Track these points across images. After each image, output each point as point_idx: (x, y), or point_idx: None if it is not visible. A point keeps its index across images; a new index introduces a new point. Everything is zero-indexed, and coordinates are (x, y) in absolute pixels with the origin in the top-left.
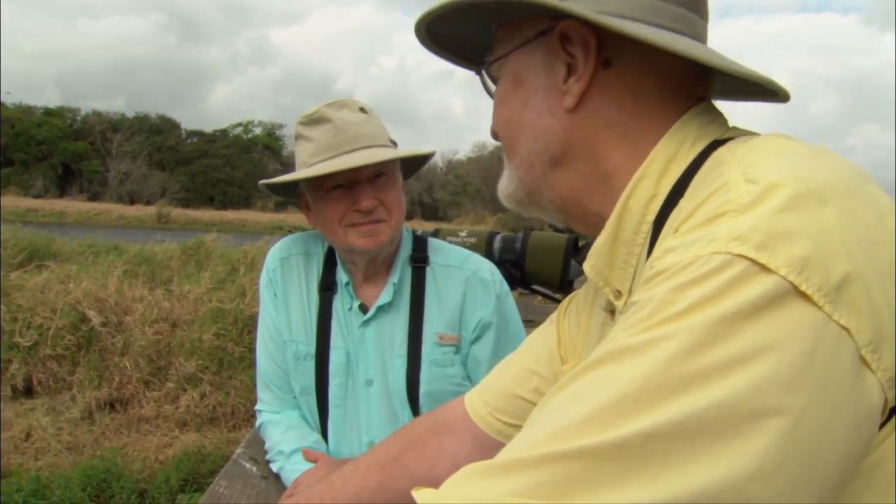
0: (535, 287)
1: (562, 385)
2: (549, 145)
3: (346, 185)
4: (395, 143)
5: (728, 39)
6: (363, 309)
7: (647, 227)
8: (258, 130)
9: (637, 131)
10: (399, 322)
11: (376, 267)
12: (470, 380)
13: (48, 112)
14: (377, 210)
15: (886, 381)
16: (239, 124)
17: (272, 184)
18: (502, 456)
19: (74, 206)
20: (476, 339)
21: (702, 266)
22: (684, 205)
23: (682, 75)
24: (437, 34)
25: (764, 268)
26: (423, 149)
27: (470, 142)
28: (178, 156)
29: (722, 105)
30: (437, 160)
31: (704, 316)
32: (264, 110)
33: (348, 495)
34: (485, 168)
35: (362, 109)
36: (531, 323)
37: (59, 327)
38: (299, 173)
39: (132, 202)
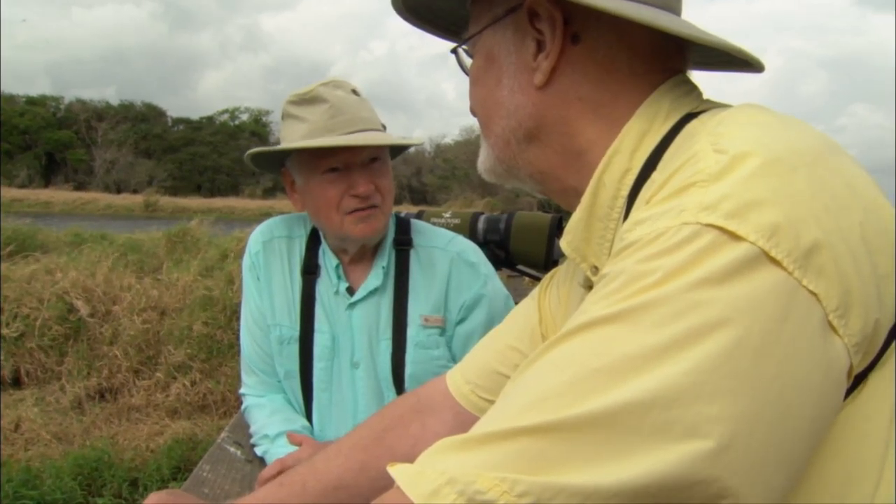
0: (521, 267)
1: (535, 357)
2: (523, 122)
3: (341, 168)
4: (385, 128)
5: (720, 20)
6: (349, 291)
7: (621, 201)
8: (245, 117)
9: (609, 106)
10: (384, 305)
11: (364, 250)
12: (454, 361)
13: (31, 101)
14: (373, 195)
15: (853, 346)
16: (225, 111)
17: (260, 154)
18: (477, 429)
19: (60, 195)
20: (461, 321)
21: (672, 237)
22: (656, 177)
23: (654, 48)
24: (416, 7)
25: (734, 235)
26: (414, 137)
27: (460, 126)
28: (165, 144)
29: (713, 84)
30: (426, 145)
31: (675, 285)
32: (257, 97)
33: (332, 476)
34: (473, 152)
35: (354, 91)
36: None
37: (47, 318)
38: (299, 143)
39: (119, 191)
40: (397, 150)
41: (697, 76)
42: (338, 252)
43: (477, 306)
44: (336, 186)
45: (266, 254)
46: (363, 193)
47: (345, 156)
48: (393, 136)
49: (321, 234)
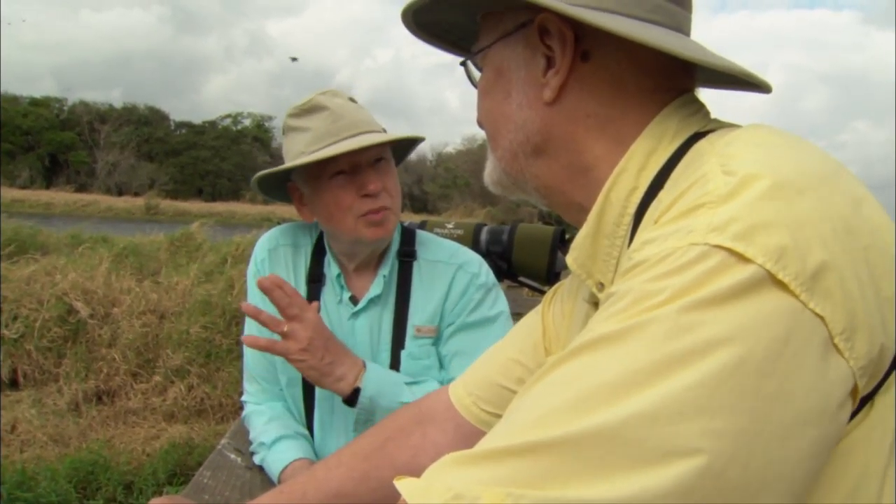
0: (523, 279)
1: (541, 374)
2: (530, 136)
3: (348, 170)
4: (385, 131)
5: (723, 34)
6: (353, 301)
7: (628, 219)
8: (247, 122)
9: (617, 124)
10: (385, 316)
11: (369, 258)
12: (444, 369)
13: (34, 102)
14: (382, 195)
15: (858, 369)
16: (228, 115)
17: (266, 175)
18: (483, 444)
19: (61, 197)
20: (458, 331)
21: (680, 257)
22: (664, 196)
23: (663, 67)
24: (425, 22)
25: (741, 257)
26: (416, 133)
27: (462, 135)
28: (167, 147)
29: (714, 99)
30: (427, 153)
31: (681, 303)
32: (261, 102)
33: (332, 485)
34: (474, 161)
35: (351, 99)
36: (519, 316)
37: (46, 319)
38: (302, 159)
39: (120, 193)
40: (401, 154)
41: (701, 90)
42: (342, 260)
43: (476, 318)
44: (346, 190)
45: (271, 262)
46: (373, 191)
47: (351, 158)
48: (395, 133)
49: (326, 242)
